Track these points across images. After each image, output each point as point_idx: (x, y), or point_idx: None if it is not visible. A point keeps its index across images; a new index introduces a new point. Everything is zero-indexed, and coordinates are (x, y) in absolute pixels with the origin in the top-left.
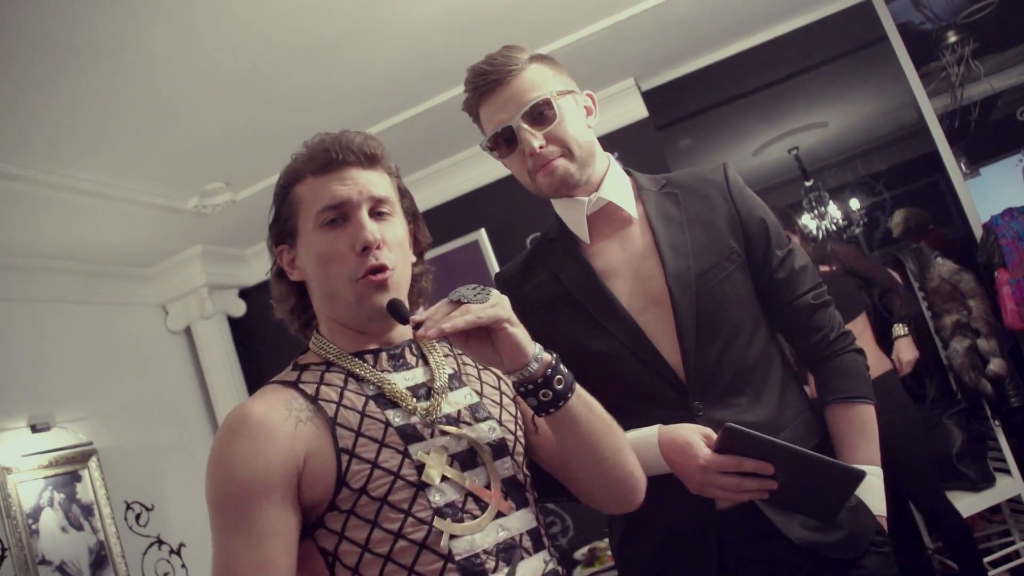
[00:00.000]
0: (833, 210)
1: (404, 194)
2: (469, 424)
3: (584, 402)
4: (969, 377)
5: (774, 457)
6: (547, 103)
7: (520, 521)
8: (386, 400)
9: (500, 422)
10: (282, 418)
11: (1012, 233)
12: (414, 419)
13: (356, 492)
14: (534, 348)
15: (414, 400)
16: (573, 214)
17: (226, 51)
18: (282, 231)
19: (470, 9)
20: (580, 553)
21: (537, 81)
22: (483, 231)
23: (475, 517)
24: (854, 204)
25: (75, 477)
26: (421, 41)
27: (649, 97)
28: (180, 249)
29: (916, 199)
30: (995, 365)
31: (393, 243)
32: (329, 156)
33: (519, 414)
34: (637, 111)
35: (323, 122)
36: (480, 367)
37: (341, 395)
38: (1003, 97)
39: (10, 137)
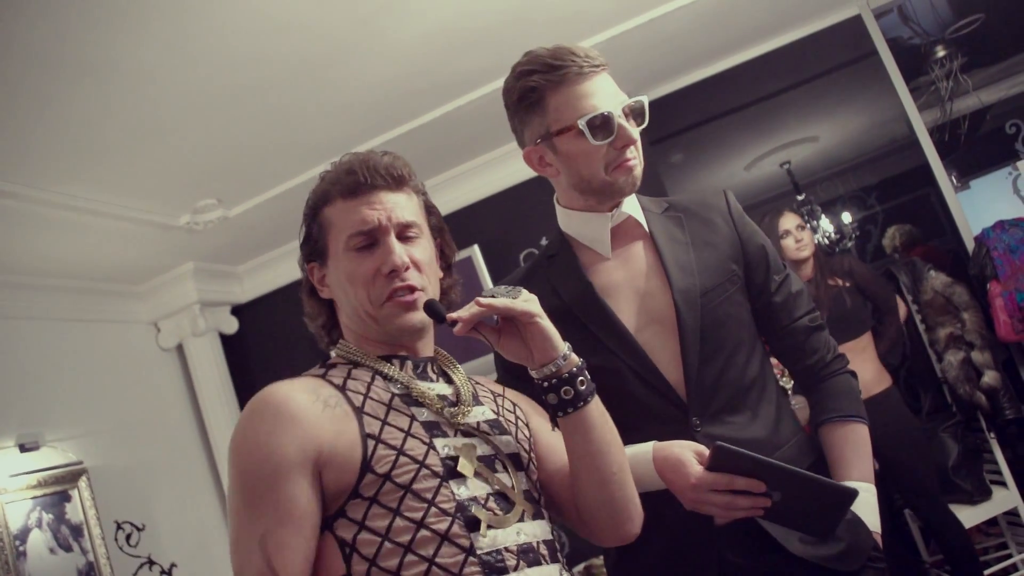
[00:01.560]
0: (825, 224)
1: (431, 211)
2: (489, 434)
3: (600, 412)
4: (964, 390)
5: (765, 475)
6: (643, 107)
7: (538, 529)
8: (412, 399)
9: (516, 439)
10: (308, 401)
11: (1003, 245)
12: (440, 419)
13: (381, 478)
14: (564, 345)
15: (441, 402)
16: (595, 228)
17: (219, 68)
18: (313, 251)
19: (462, 27)
20: (577, 570)
21: (616, 85)
22: (476, 247)
23: (499, 514)
24: (846, 217)
25: (64, 497)
26: (413, 58)
27: None
28: (172, 266)
29: (908, 212)
30: (989, 377)
31: (422, 263)
32: (357, 179)
33: (532, 437)
34: None
35: (316, 139)
36: (497, 393)
37: (368, 388)
38: (992, 111)
39: (1, 154)
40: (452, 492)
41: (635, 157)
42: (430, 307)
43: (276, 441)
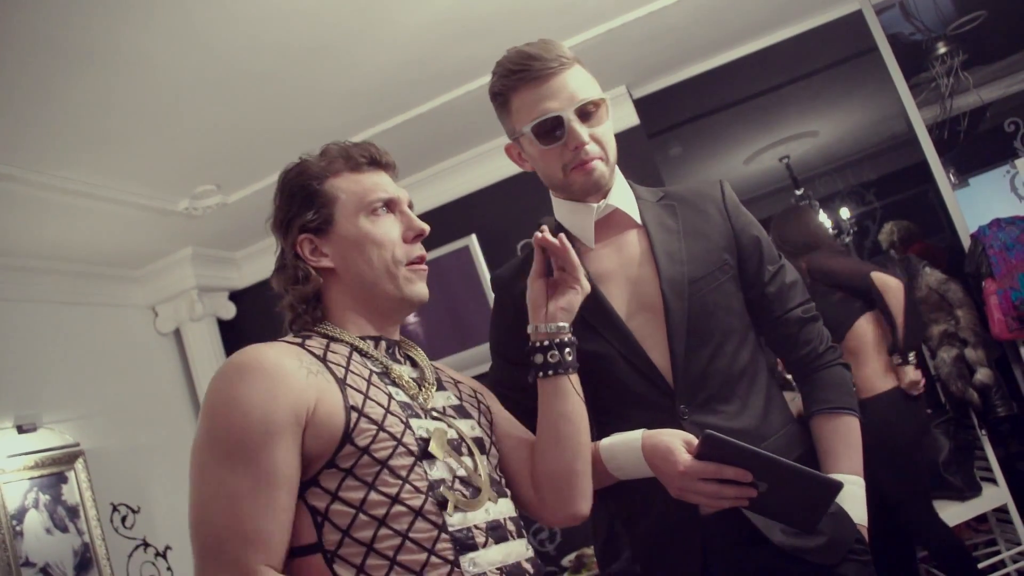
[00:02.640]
0: (824, 219)
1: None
2: (454, 418)
3: (577, 388)
4: (956, 386)
5: (753, 465)
6: (599, 104)
7: (504, 507)
8: (389, 378)
9: (479, 424)
10: (295, 366)
11: (999, 243)
12: (412, 401)
13: (359, 451)
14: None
15: (414, 386)
16: (580, 219)
17: (218, 53)
18: (308, 223)
19: (463, 16)
20: (567, 560)
21: (585, 81)
22: (474, 237)
23: (465, 497)
24: (844, 213)
25: (61, 478)
26: (414, 46)
27: (640, 105)
28: (170, 251)
29: (905, 208)
30: (982, 375)
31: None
32: (369, 153)
33: (492, 421)
34: (629, 118)
35: (315, 126)
36: (456, 380)
37: (348, 362)
38: (991, 108)
39: (1, 137)
40: (425, 471)
41: (594, 158)
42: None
43: (269, 404)
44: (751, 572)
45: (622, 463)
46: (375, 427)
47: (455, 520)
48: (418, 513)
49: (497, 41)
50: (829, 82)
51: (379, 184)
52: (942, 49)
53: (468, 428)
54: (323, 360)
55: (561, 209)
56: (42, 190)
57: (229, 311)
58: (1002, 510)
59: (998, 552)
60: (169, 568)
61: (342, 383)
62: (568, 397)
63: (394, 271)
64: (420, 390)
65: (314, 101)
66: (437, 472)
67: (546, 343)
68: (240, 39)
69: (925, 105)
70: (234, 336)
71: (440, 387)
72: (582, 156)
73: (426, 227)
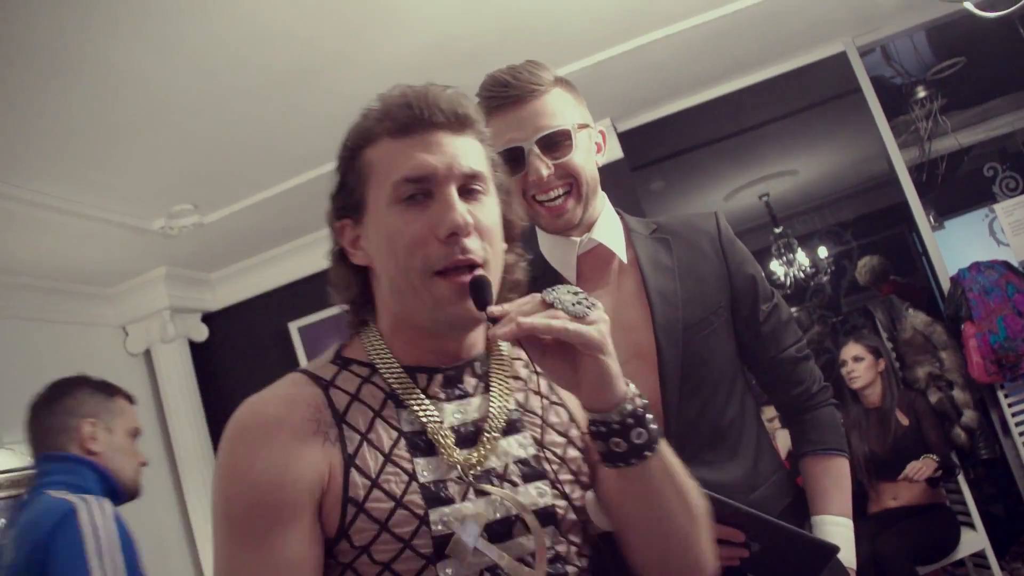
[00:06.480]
0: (801, 257)
1: (497, 166)
2: (515, 484)
3: (665, 467)
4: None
5: (747, 525)
6: (565, 134)
7: None
8: (422, 442)
9: (555, 482)
10: (311, 430)
11: (979, 287)
12: (452, 473)
13: (357, 550)
14: (627, 389)
15: (455, 447)
16: (562, 253)
17: (201, 70)
18: (346, 203)
19: (450, 43)
20: None
21: (558, 108)
22: None
23: None
24: (822, 252)
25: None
26: (398, 72)
27: (624, 138)
28: (143, 270)
29: (882, 249)
30: (968, 417)
31: (486, 229)
32: (412, 114)
33: (584, 465)
34: (613, 151)
35: (297, 149)
36: (550, 399)
37: (371, 425)
38: (970, 152)
39: None
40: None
41: (554, 187)
42: (476, 284)
43: (278, 476)
44: None
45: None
46: (377, 527)
47: None
48: None
49: (480, 72)
50: (810, 122)
51: (418, 158)
52: (921, 93)
53: (536, 495)
54: (342, 418)
55: (545, 243)
56: (13, 203)
57: (201, 333)
58: (979, 555)
59: None
60: None
61: (350, 461)
62: (651, 489)
63: (417, 283)
64: (475, 447)
65: (297, 123)
66: (457, 571)
67: (603, 430)
68: (224, 57)
69: (904, 147)
70: (206, 359)
71: (517, 427)
72: (543, 187)
73: (460, 222)
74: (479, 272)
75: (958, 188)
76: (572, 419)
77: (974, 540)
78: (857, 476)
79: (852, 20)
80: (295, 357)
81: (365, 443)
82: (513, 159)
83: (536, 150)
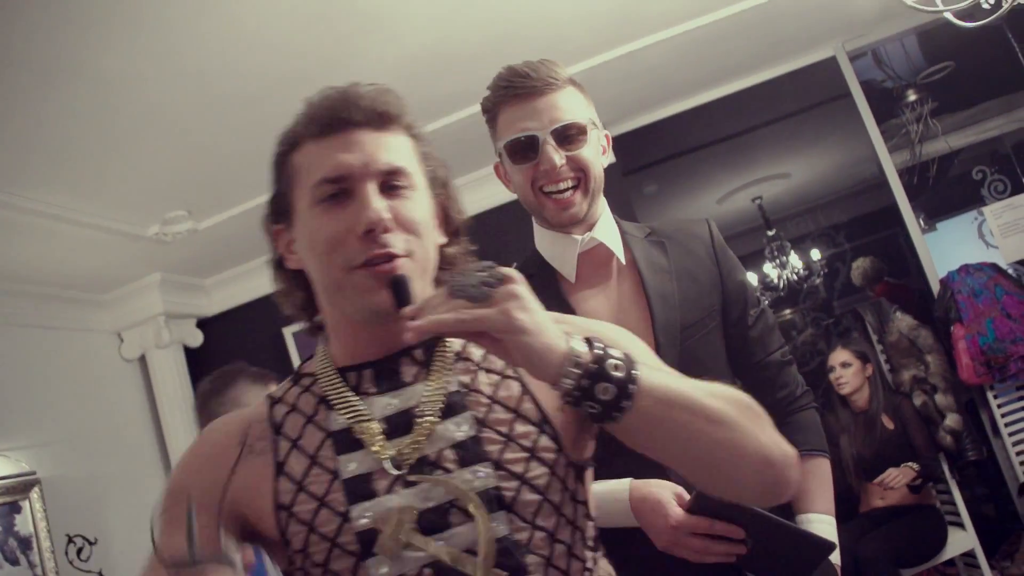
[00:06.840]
0: (794, 260)
1: (429, 159)
2: (448, 470)
3: (660, 398)
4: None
5: (745, 522)
6: (580, 128)
7: None
8: (350, 439)
9: (499, 463)
10: (232, 443)
11: (968, 289)
12: (383, 464)
13: (297, 552)
14: (567, 351)
15: (383, 440)
16: (562, 251)
17: (195, 78)
18: (278, 209)
19: (440, 52)
20: None
21: (573, 104)
22: None
23: None
24: (815, 254)
25: (14, 508)
26: (390, 79)
27: (617, 142)
28: (138, 276)
29: (875, 251)
30: (951, 420)
31: (410, 223)
32: (332, 115)
33: (544, 438)
34: (606, 155)
35: None
36: (503, 374)
37: (302, 431)
38: (960, 156)
39: None
40: (368, 574)
41: (564, 178)
42: (396, 284)
43: (185, 480)
44: None
45: (607, 512)
46: (305, 528)
47: None
48: None
49: (475, 78)
50: (802, 125)
51: (335, 159)
52: (912, 96)
53: (469, 478)
54: (279, 429)
55: (543, 240)
56: (8, 210)
57: (196, 339)
58: (969, 555)
59: None
60: None
61: (279, 469)
62: (655, 427)
63: (340, 277)
64: (409, 435)
65: None
66: (391, 568)
67: (569, 399)
68: (217, 65)
69: (895, 150)
70: (201, 364)
71: (458, 408)
72: (553, 177)
73: (375, 219)
74: (399, 272)
75: (948, 191)
76: (526, 391)
77: (964, 540)
78: (846, 478)
79: (842, 25)
80: (290, 362)
81: (294, 450)
82: (525, 148)
83: (551, 140)
